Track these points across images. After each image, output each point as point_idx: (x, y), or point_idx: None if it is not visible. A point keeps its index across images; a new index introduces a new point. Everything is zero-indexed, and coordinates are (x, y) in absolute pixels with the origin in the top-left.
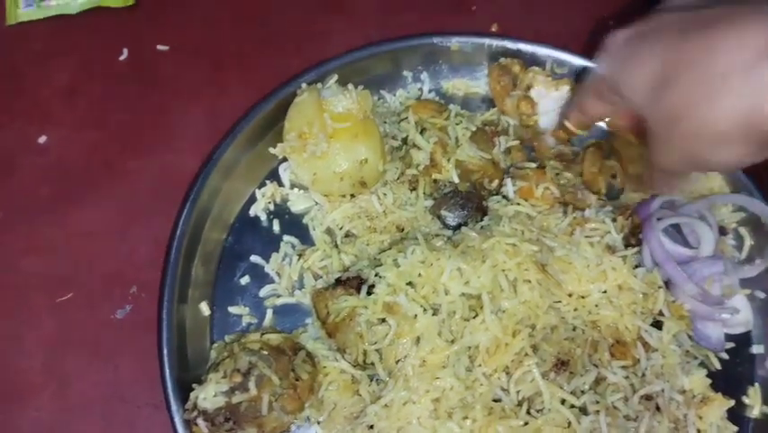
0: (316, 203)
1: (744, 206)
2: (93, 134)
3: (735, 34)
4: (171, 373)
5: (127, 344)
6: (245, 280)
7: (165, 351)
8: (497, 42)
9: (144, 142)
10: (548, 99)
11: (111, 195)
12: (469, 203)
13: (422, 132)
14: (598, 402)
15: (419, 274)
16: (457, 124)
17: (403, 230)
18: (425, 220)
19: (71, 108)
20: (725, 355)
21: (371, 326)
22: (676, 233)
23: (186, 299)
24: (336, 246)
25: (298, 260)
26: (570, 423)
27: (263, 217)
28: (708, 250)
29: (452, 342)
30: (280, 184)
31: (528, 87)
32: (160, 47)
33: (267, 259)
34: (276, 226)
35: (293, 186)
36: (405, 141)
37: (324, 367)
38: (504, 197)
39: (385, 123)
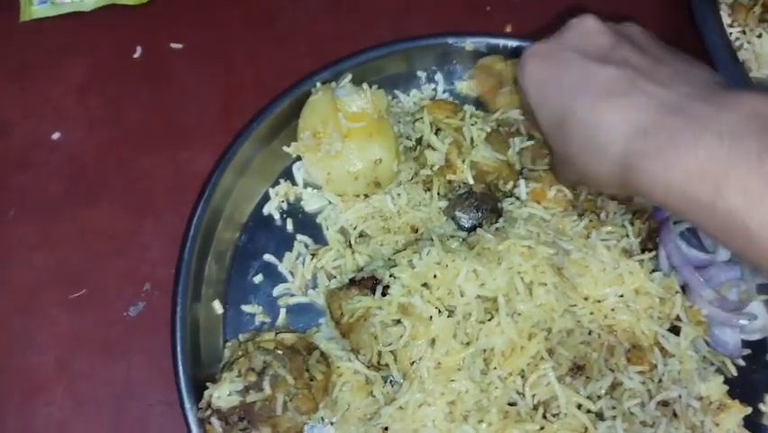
0: (330, 202)
1: None
2: (106, 132)
3: (618, 112)
4: (185, 371)
5: (140, 341)
6: (258, 278)
7: (179, 349)
8: (511, 43)
9: (157, 139)
10: None
11: (124, 192)
12: (484, 204)
13: (437, 132)
14: (614, 408)
15: (434, 276)
16: (472, 125)
17: (417, 231)
18: (440, 221)
19: (84, 106)
20: (741, 362)
21: (386, 327)
22: (692, 237)
23: (199, 298)
24: (350, 246)
25: (312, 259)
26: (586, 428)
27: (277, 216)
28: (725, 255)
29: (468, 344)
30: (294, 183)
31: (515, 80)
32: (173, 45)
33: (280, 258)
34: (289, 225)
35: (306, 185)
36: (419, 141)
37: (338, 368)
38: (517, 198)
39: (399, 123)
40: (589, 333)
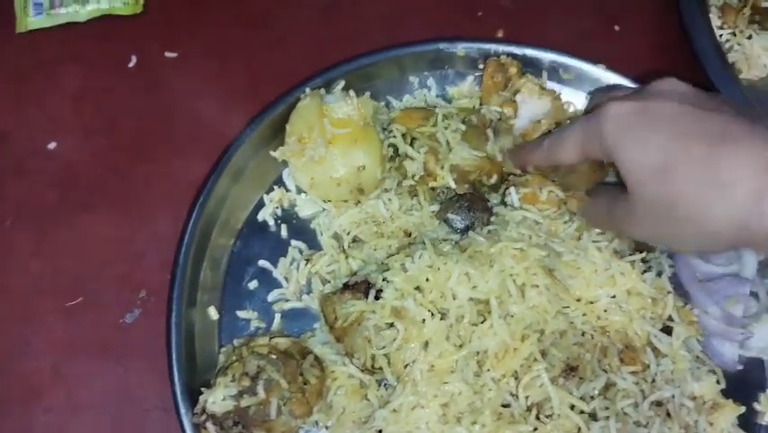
0: (324, 209)
1: None
2: (102, 140)
3: (739, 155)
4: (180, 377)
5: (136, 347)
6: (253, 284)
7: (174, 355)
8: (503, 48)
9: (153, 147)
10: (529, 106)
11: (119, 200)
12: (474, 205)
13: (412, 142)
14: (607, 408)
15: (427, 279)
16: (446, 129)
17: (410, 235)
18: (432, 225)
19: (80, 115)
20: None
21: (379, 330)
22: None
23: (194, 304)
24: (344, 251)
25: (306, 264)
26: (579, 429)
27: (271, 222)
28: (738, 269)
29: (461, 347)
30: (287, 189)
31: (516, 92)
32: (168, 54)
33: (275, 264)
34: (284, 231)
35: (300, 191)
36: (396, 152)
37: (333, 372)
38: (506, 204)
39: (385, 129)
40: (582, 334)
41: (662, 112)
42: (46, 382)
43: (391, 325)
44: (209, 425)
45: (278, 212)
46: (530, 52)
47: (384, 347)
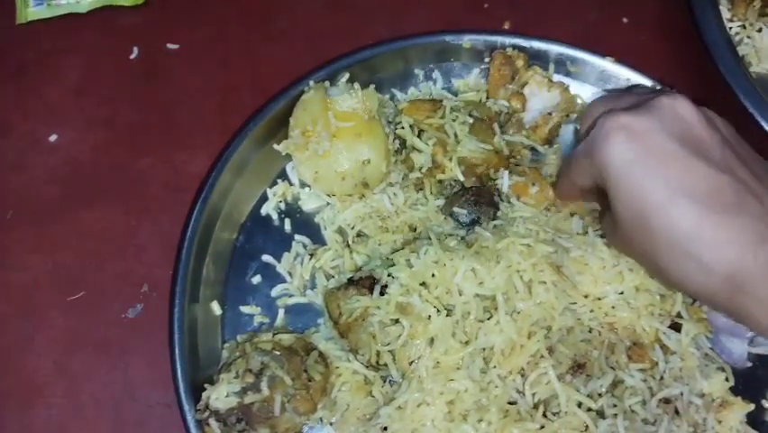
0: (328, 203)
1: None
2: (103, 133)
3: (728, 231)
4: (183, 373)
5: (138, 343)
6: (257, 279)
7: (177, 350)
8: (509, 40)
9: (154, 140)
10: (538, 98)
11: (121, 193)
12: (480, 198)
13: (419, 134)
14: (615, 406)
15: (432, 275)
16: (453, 121)
17: (415, 230)
18: (438, 219)
19: (81, 107)
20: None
21: (384, 326)
22: None
23: (197, 299)
24: (348, 246)
25: (310, 259)
26: (587, 426)
27: (275, 216)
28: None
29: (467, 343)
30: (291, 183)
31: (524, 85)
32: (170, 46)
33: (278, 258)
34: (287, 226)
35: (303, 185)
36: (403, 144)
37: (337, 368)
38: (497, 189)
39: (390, 123)
40: (590, 331)
41: (664, 150)
42: (48, 378)
43: (396, 321)
44: (212, 421)
45: (282, 206)
46: (537, 45)
47: (389, 343)
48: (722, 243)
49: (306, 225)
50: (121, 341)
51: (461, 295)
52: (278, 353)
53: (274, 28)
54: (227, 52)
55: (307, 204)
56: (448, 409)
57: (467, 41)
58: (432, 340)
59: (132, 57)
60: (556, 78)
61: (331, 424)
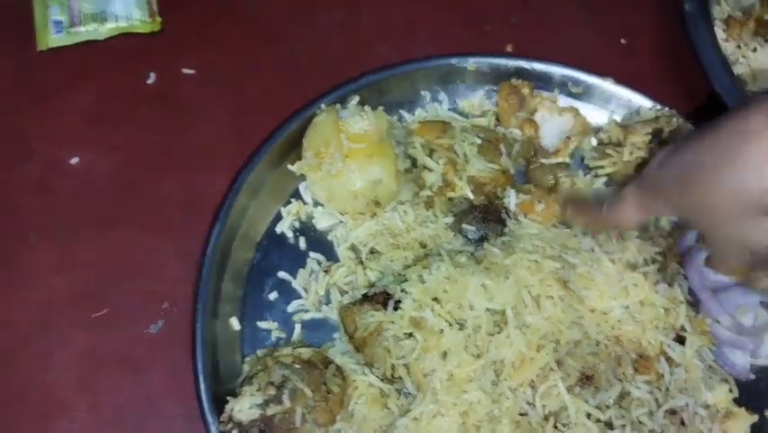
0: (341, 221)
1: None
2: (123, 156)
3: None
4: (206, 387)
5: (160, 357)
6: (273, 295)
7: (199, 365)
8: (512, 63)
9: (172, 162)
10: (551, 124)
11: (141, 214)
12: (488, 215)
13: (430, 154)
14: (623, 417)
15: (444, 290)
16: (463, 141)
17: (426, 246)
18: (447, 236)
19: (101, 131)
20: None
21: (398, 340)
22: None
23: (217, 315)
24: (361, 262)
25: (325, 276)
26: None
27: (289, 234)
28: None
29: (478, 356)
30: (305, 202)
31: (534, 111)
32: (185, 70)
33: (294, 275)
34: (302, 243)
35: (316, 204)
36: (414, 163)
37: (354, 381)
38: (505, 208)
39: (399, 143)
40: (597, 344)
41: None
42: (71, 393)
43: (410, 335)
44: None
45: (296, 224)
46: (540, 67)
47: (403, 357)
48: None
49: (320, 243)
50: (143, 356)
51: (472, 310)
52: (298, 366)
53: (285, 52)
54: (240, 76)
55: (321, 222)
56: (462, 421)
57: (472, 63)
58: (445, 353)
59: (150, 82)
60: (560, 100)
61: None
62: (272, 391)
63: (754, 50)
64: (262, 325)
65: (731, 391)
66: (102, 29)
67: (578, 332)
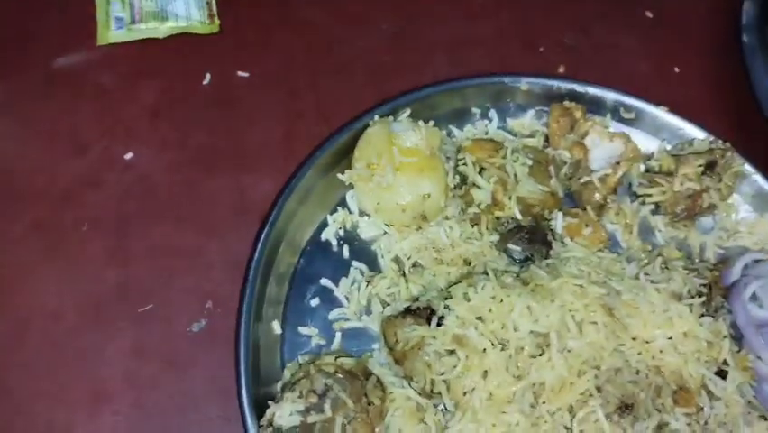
0: (385, 232)
1: None
2: (175, 154)
3: None
4: (248, 389)
5: (202, 357)
6: (315, 302)
7: (242, 367)
8: (565, 85)
9: (223, 163)
10: (601, 149)
11: (191, 212)
12: (534, 236)
13: (480, 172)
14: None
15: (489, 309)
16: (514, 162)
17: (470, 263)
18: (491, 254)
19: (155, 128)
20: None
21: (440, 356)
22: (764, 297)
23: (261, 318)
24: (404, 275)
25: (367, 286)
26: None
27: (334, 242)
28: None
29: (519, 378)
30: (350, 211)
31: (584, 135)
32: (240, 73)
33: (336, 283)
34: (345, 252)
35: (362, 213)
36: (464, 180)
37: (391, 393)
38: (551, 230)
39: (449, 159)
40: (637, 372)
41: None
42: (116, 386)
43: (452, 352)
44: None
45: (341, 232)
46: (593, 91)
47: (444, 373)
48: None
49: (364, 253)
50: (185, 354)
51: (515, 331)
52: (340, 376)
53: (338, 60)
54: (293, 82)
55: (366, 232)
56: None
57: (525, 83)
58: (486, 373)
59: (205, 82)
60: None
61: None
62: (314, 400)
63: None
64: (303, 330)
65: None
66: (162, 27)
67: (619, 359)
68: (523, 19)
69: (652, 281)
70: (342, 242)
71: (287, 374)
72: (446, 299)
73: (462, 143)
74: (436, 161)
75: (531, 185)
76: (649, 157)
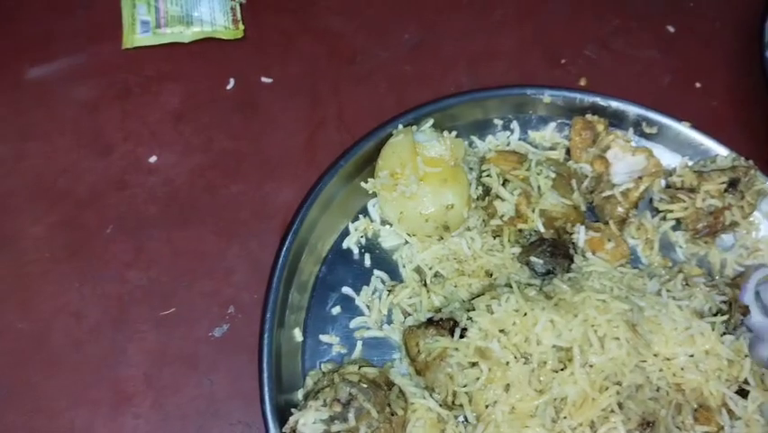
0: (407, 241)
1: None
2: (199, 158)
3: None
4: (271, 395)
5: (223, 362)
6: (336, 310)
7: (265, 374)
8: (588, 98)
9: (246, 168)
10: (623, 163)
11: (213, 216)
12: (557, 250)
13: (504, 183)
14: None
15: (513, 323)
16: (538, 174)
17: (491, 275)
18: (513, 267)
19: (179, 132)
20: None
21: (463, 368)
22: None
23: (283, 325)
24: (425, 285)
25: (388, 295)
26: None
27: (355, 251)
28: None
29: (541, 392)
30: (372, 219)
31: (606, 148)
32: (264, 79)
33: (357, 291)
34: (367, 260)
35: (383, 222)
36: (487, 192)
37: (412, 403)
38: (573, 243)
39: (471, 170)
40: (658, 389)
41: None
42: (137, 389)
43: (474, 364)
44: None
45: (363, 241)
46: (616, 104)
47: (466, 385)
48: None
49: (385, 262)
50: (207, 359)
51: (538, 344)
52: (364, 385)
53: (360, 69)
54: (316, 89)
55: (387, 241)
56: None
57: (547, 96)
58: (508, 386)
59: (229, 87)
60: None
61: None
62: (338, 409)
63: None
64: (324, 338)
65: None
66: (187, 32)
67: (640, 376)
68: (544, 31)
69: (674, 298)
70: (363, 250)
71: (309, 382)
72: (469, 310)
73: (486, 155)
74: (460, 171)
75: (554, 198)
76: (671, 173)
